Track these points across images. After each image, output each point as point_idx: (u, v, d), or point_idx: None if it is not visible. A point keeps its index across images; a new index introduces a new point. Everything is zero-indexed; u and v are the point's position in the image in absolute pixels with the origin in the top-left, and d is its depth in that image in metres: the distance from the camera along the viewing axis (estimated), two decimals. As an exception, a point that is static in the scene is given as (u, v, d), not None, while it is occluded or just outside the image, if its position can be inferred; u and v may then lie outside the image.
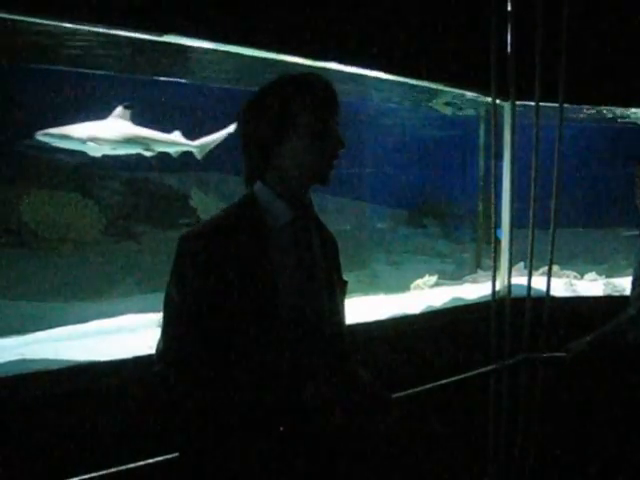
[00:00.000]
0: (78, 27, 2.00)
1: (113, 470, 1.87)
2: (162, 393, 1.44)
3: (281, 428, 1.39)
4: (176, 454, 1.60)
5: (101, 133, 3.66)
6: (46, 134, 3.42)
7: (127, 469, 1.89)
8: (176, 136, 4.07)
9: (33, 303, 3.08)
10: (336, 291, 1.57)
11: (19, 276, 3.22)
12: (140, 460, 1.92)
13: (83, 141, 3.54)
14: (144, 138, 3.90)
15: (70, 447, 1.85)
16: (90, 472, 1.83)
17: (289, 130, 1.42)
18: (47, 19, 1.91)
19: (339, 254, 1.64)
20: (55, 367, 1.97)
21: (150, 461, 1.92)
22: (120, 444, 1.93)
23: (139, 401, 1.96)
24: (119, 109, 3.82)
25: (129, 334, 2.64)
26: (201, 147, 4.12)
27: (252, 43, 2.33)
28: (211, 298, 1.37)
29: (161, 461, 1.91)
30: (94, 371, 2.01)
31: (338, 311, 1.59)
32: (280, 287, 1.41)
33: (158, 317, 2.73)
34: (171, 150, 4.13)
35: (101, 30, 2.05)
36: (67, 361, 2.05)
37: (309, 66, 2.52)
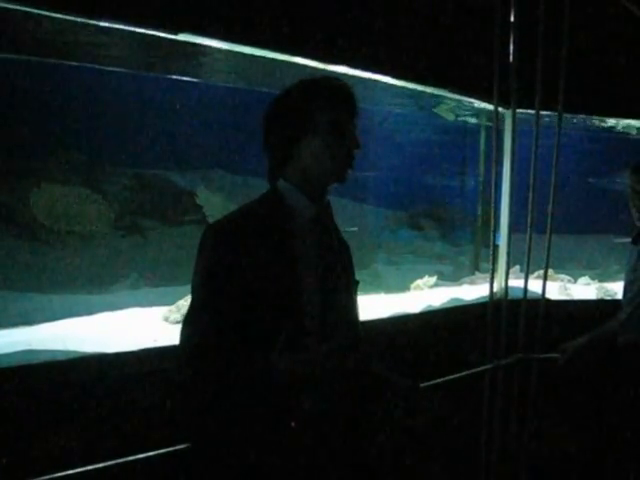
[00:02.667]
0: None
1: (119, 461, 1.90)
2: (182, 382, 1.47)
3: (292, 424, 1.41)
4: (185, 445, 1.65)
5: None
6: None
7: (132, 460, 1.92)
8: None
9: (41, 295, 3.10)
10: (352, 290, 1.62)
11: (27, 268, 3.26)
12: (147, 451, 1.95)
13: None
14: None
15: (77, 438, 1.89)
16: (96, 463, 1.86)
17: (309, 129, 1.48)
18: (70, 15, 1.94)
19: (351, 254, 1.69)
20: (62, 358, 2.00)
21: (158, 452, 1.96)
22: (126, 435, 1.96)
23: (145, 393, 2.01)
24: None
25: (135, 327, 2.66)
26: None
27: (266, 44, 2.39)
28: (235, 291, 1.39)
29: (169, 452, 1.95)
30: (100, 363, 2.04)
31: (355, 308, 1.63)
32: (304, 282, 1.45)
33: (163, 311, 2.80)
34: None
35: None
36: (74, 352, 2.08)
37: (320, 70, 2.58)
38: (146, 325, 2.70)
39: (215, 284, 1.41)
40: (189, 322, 1.44)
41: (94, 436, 1.92)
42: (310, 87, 1.51)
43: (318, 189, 1.53)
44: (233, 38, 2.31)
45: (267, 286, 1.40)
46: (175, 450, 1.92)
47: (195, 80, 3.31)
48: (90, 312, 2.81)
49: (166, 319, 2.76)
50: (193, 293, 1.45)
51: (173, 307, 2.74)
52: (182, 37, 2.20)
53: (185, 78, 3.23)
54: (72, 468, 1.82)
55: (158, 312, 2.83)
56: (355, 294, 1.64)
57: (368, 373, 1.56)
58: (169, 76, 3.22)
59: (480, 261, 4.53)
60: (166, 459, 1.94)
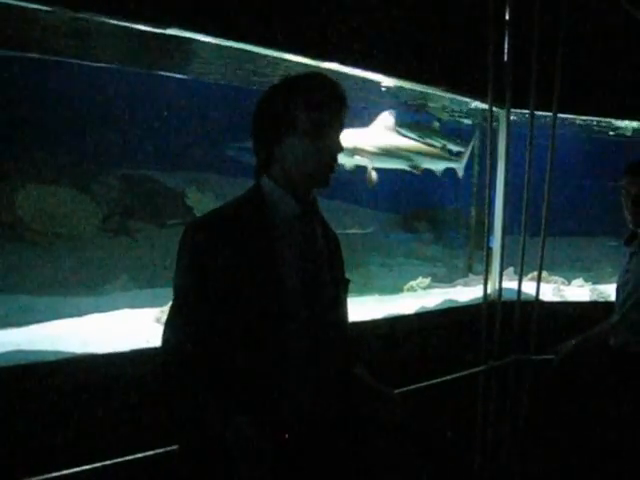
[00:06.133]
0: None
1: (110, 462, 1.87)
2: (163, 383, 1.45)
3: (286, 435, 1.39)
4: (175, 447, 1.62)
5: (366, 144, 3.28)
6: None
7: (123, 461, 1.89)
8: (443, 151, 3.74)
9: (29, 296, 3.07)
10: (340, 288, 1.58)
11: (16, 269, 3.22)
12: (137, 453, 1.92)
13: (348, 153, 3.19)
14: (409, 151, 3.50)
15: (66, 439, 1.86)
16: (87, 464, 1.83)
17: (289, 130, 1.43)
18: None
19: (341, 252, 1.65)
20: (51, 359, 1.97)
21: (147, 454, 1.93)
22: (116, 437, 1.93)
23: (135, 394, 1.98)
24: (384, 115, 3.39)
25: (124, 328, 2.64)
26: (463, 164, 3.89)
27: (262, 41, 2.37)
28: (214, 289, 1.37)
29: (159, 454, 1.91)
30: (89, 364, 2.01)
31: (342, 307, 1.60)
32: (285, 280, 1.42)
33: (153, 312, 2.77)
34: (435, 167, 3.78)
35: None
36: (63, 353, 2.05)
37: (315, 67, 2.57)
38: (138, 326, 2.67)
39: (193, 283, 1.40)
40: (168, 323, 1.43)
41: (85, 437, 1.90)
42: (292, 85, 1.47)
43: (302, 189, 1.48)
44: (223, 34, 2.29)
45: (247, 284, 1.38)
46: (166, 451, 1.89)
47: (185, 77, 3.26)
48: (80, 314, 2.80)
49: (158, 320, 2.73)
50: (173, 292, 1.43)
51: (165, 308, 2.70)
52: (171, 32, 2.18)
53: (175, 75, 3.19)
54: (61, 469, 1.79)
55: (150, 313, 2.81)
56: (344, 293, 1.62)
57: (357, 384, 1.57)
58: (158, 73, 3.17)
59: (474, 263, 4.53)
60: (158, 460, 1.91)
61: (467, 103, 3.56)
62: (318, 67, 2.57)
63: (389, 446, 1.62)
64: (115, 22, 2.04)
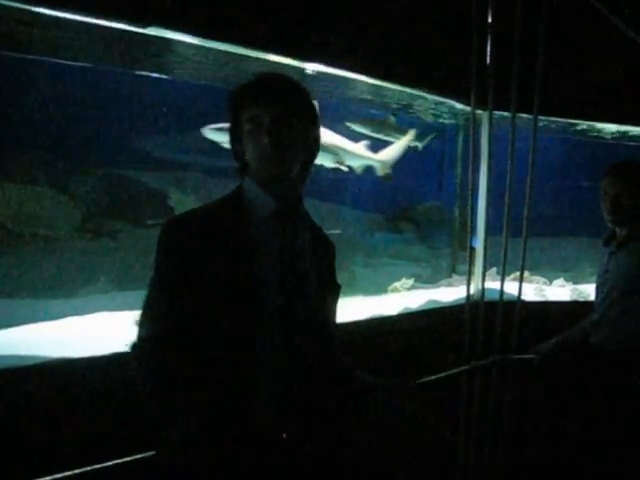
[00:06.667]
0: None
1: (88, 469, 1.80)
2: (134, 382, 1.43)
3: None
4: (153, 452, 1.60)
5: None
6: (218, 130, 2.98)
7: (101, 468, 1.83)
8: (360, 148, 3.64)
9: (4, 299, 3.01)
10: (327, 292, 1.57)
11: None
12: (114, 459, 1.86)
13: None
14: (336, 147, 3.39)
15: (44, 444, 1.82)
16: (63, 471, 1.77)
17: (241, 130, 1.45)
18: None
19: (334, 258, 1.64)
20: (27, 364, 1.95)
21: (126, 459, 1.86)
22: (94, 442, 1.90)
23: (115, 398, 1.94)
24: None
25: (103, 331, 2.61)
26: (383, 163, 3.80)
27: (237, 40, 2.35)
28: (187, 287, 1.37)
29: (137, 459, 1.84)
30: (67, 368, 1.99)
31: (327, 312, 1.59)
32: (259, 279, 1.41)
33: (132, 315, 2.73)
34: (355, 163, 3.66)
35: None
36: (40, 357, 2.02)
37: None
38: (116, 329, 2.61)
39: (165, 282, 1.40)
40: (139, 321, 1.43)
41: (62, 442, 1.87)
42: (239, 86, 1.48)
43: (274, 186, 1.47)
44: (205, 34, 2.28)
45: (219, 282, 1.38)
46: (146, 457, 1.85)
47: (166, 77, 3.23)
48: (57, 317, 2.76)
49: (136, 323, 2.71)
50: (149, 287, 1.43)
51: (143, 311, 2.67)
52: (151, 31, 2.16)
53: (156, 75, 3.15)
54: (36, 476, 1.72)
55: (129, 316, 2.74)
56: (334, 297, 1.61)
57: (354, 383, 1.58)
58: (139, 72, 3.13)
59: (457, 263, 4.54)
60: (138, 466, 1.87)
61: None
62: (300, 68, 2.56)
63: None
64: (95, 21, 2.02)
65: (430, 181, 5.65)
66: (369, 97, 3.51)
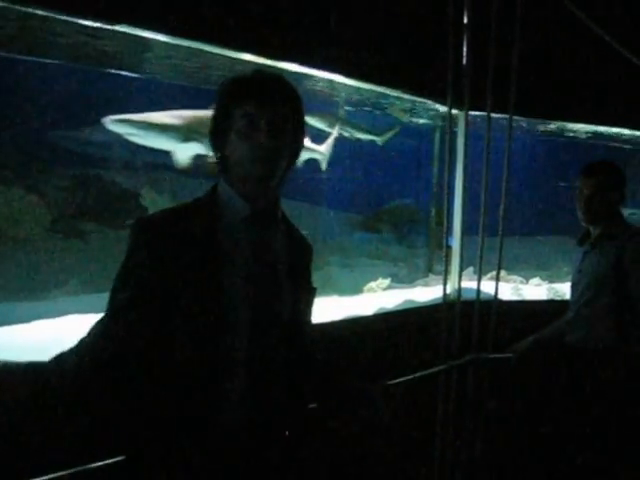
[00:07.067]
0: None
1: (61, 474, 1.78)
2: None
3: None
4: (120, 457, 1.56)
5: (193, 122, 2.97)
6: (120, 121, 2.77)
7: (66, 475, 1.80)
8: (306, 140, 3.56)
9: (-29, 302, 2.93)
10: (301, 295, 1.55)
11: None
12: (87, 462, 1.84)
13: (164, 130, 2.92)
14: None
15: (9, 450, 1.73)
16: (35, 477, 1.75)
17: (229, 127, 1.42)
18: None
19: (311, 261, 1.62)
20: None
21: (89, 466, 1.84)
22: (62, 448, 1.84)
23: (87, 401, 1.90)
24: None
25: (73, 335, 2.54)
26: (325, 154, 3.73)
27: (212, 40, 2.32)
28: (150, 288, 1.34)
29: (101, 466, 1.83)
30: (34, 372, 1.92)
31: (301, 316, 1.56)
32: (227, 283, 1.38)
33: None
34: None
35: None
36: (5, 362, 1.92)
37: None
38: (84, 332, 2.57)
39: (127, 279, 1.37)
40: (99, 320, 1.39)
41: (28, 448, 1.79)
42: (228, 83, 1.47)
43: (252, 188, 1.45)
44: (176, 32, 2.23)
45: (184, 285, 1.35)
46: (110, 463, 1.80)
47: (137, 76, 3.17)
48: (25, 320, 2.68)
49: None
50: (112, 289, 1.40)
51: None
52: (120, 28, 2.11)
53: (125, 73, 3.09)
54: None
55: (97, 319, 2.71)
56: (309, 300, 1.59)
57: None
58: (109, 70, 3.06)
59: (434, 263, 4.55)
60: (100, 473, 1.83)
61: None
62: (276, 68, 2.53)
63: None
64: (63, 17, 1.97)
65: (403, 180, 5.66)
66: (327, 91, 3.46)
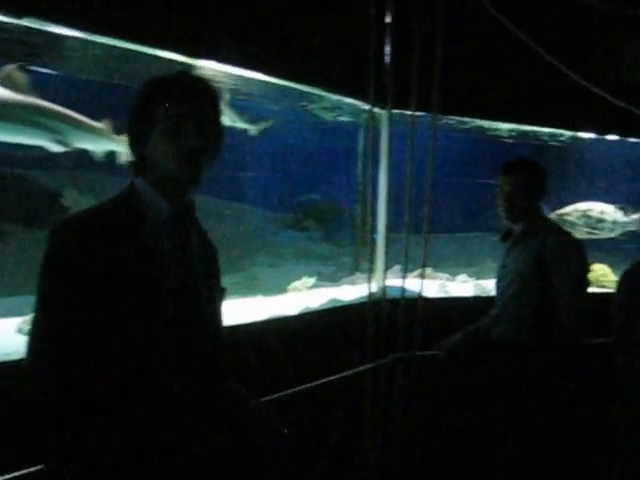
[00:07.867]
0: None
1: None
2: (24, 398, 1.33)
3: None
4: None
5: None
6: None
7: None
8: (100, 126, 3.18)
9: None
10: (215, 297, 1.55)
11: None
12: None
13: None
14: (55, 117, 2.82)
15: None
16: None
17: (153, 127, 1.40)
18: None
19: (218, 261, 1.62)
20: None
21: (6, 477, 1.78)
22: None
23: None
24: (8, 68, 2.57)
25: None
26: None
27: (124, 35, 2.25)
28: (77, 293, 1.29)
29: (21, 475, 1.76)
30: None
31: (215, 317, 1.57)
32: (150, 284, 1.36)
33: (15, 321, 2.59)
34: (94, 146, 3.22)
35: None
36: None
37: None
38: (3, 337, 2.52)
39: (49, 286, 1.31)
40: (31, 332, 1.33)
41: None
42: (153, 83, 1.44)
43: (174, 189, 1.44)
44: (90, 27, 2.16)
45: (107, 288, 1.31)
46: (32, 472, 1.73)
47: (56, 73, 3.04)
48: None
49: (20, 331, 2.61)
50: (36, 298, 1.33)
51: (28, 318, 2.51)
52: (27, 22, 2.02)
53: (45, 70, 2.95)
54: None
55: (11, 323, 2.66)
56: (219, 301, 1.59)
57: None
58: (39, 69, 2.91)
59: (361, 261, 4.56)
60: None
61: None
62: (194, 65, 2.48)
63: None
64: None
65: (326, 178, 5.67)
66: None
